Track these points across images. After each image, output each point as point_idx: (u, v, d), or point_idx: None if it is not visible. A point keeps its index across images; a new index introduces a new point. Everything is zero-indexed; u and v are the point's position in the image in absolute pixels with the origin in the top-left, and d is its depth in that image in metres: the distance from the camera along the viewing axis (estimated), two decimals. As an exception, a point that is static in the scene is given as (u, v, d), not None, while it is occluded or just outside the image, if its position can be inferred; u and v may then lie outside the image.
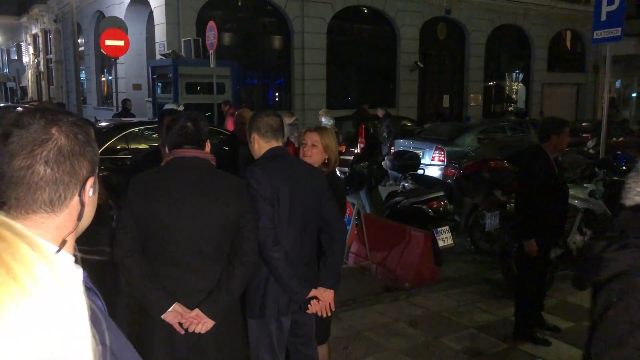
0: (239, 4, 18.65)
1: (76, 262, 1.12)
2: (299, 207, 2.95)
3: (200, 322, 2.56)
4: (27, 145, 1.09)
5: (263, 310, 2.99)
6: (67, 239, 1.15)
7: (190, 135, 2.64)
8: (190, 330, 2.55)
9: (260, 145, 3.06)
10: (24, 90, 31.60)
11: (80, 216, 1.17)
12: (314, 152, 3.47)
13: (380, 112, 14.47)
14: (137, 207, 2.53)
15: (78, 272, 1.11)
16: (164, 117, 3.87)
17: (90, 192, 1.18)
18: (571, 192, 6.17)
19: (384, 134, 14.02)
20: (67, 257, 1.13)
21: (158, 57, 16.62)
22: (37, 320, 0.63)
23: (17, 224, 0.68)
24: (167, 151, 2.75)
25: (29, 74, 32.83)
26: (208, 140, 2.74)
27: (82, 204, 1.16)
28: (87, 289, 1.10)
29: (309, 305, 3.03)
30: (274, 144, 3.05)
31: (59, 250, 1.11)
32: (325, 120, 12.26)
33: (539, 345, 4.72)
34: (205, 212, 2.56)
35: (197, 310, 2.56)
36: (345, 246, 3.22)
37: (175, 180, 2.59)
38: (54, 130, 1.11)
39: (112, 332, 1.04)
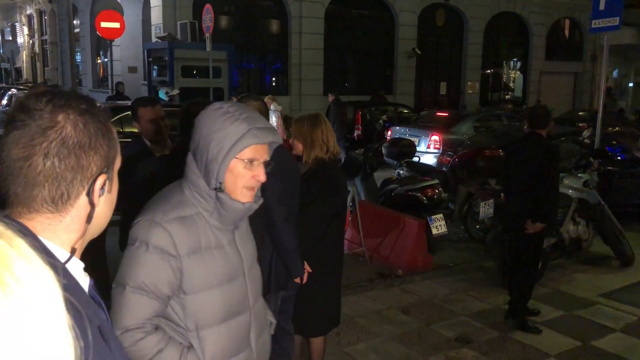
0: (237, -14, 18.49)
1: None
2: (290, 188, 3.09)
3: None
4: (27, 133, 0.95)
5: (269, 287, 3.05)
6: (75, 246, 1.03)
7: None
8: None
9: None
10: (18, 71, 31.35)
11: (89, 218, 1.03)
12: (295, 144, 3.45)
13: (330, 98, 13.58)
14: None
15: (85, 281, 1.03)
16: (139, 108, 3.60)
17: (100, 191, 1.03)
18: (565, 181, 6.19)
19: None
20: (76, 263, 1.03)
21: (154, 39, 16.49)
22: (16, 318, 0.58)
23: None
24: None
25: (24, 55, 32.55)
26: None
27: (91, 204, 1.02)
28: (93, 300, 1.02)
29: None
30: None
31: (69, 259, 1.00)
32: (273, 107, 12.00)
33: (529, 334, 4.75)
34: None
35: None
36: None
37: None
38: (60, 118, 0.97)
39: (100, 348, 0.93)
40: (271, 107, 12.35)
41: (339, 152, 3.62)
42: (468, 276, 6.17)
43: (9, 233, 0.63)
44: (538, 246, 4.90)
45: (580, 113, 18.07)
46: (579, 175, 6.37)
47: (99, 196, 1.03)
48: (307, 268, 3.20)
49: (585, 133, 10.73)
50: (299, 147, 3.41)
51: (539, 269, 5.48)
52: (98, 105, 1.06)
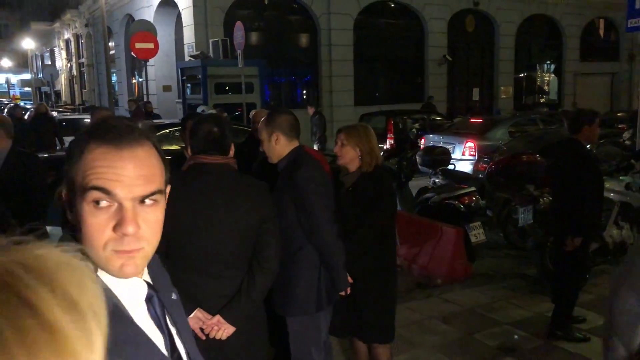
0: (266, 3, 18.72)
1: None
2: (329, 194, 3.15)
3: (221, 329, 2.52)
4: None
5: (321, 305, 3.06)
6: None
7: (216, 141, 2.58)
8: (211, 336, 2.52)
9: (283, 145, 3.04)
10: (57, 94, 32.32)
11: None
12: (344, 152, 3.47)
13: (310, 110, 13.38)
14: None
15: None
16: (188, 121, 3.79)
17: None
18: (607, 184, 6.04)
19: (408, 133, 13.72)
20: None
21: (187, 58, 16.81)
22: None
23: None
24: (189, 154, 2.71)
25: (62, 78, 33.61)
26: (232, 144, 2.68)
27: None
28: None
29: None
30: (296, 143, 3.08)
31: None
32: None
33: (574, 342, 4.64)
34: (225, 219, 2.52)
35: (218, 317, 2.52)
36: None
37: (196, 186, 2.55)
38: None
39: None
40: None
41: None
42: (509, 284, 6.07)
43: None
44: (583, 251, 4.75)
45: (619, 114, 17.64)
46: (620, 178, 6.22)
47: None
48: (349, 279, 3.20)
49: (626, 134, 10.49)
50: (348, 156, 3.44)
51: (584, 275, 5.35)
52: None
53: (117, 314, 1.03)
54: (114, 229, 1.01)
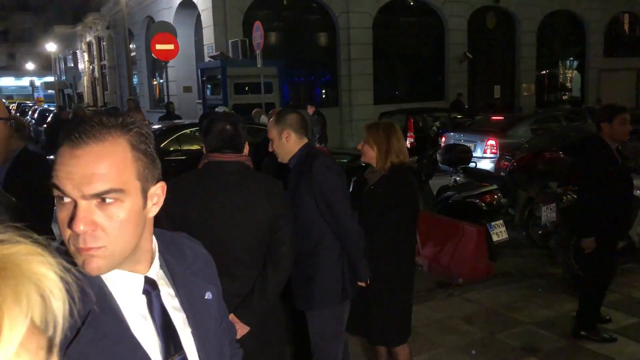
0: (285, 2, 18.76)
1: None
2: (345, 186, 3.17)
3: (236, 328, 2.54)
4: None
5: (346, 294, 3.10)
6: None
7: (229, 139, 2.58)
8: None
9: (294, 142, 3.09)
10: (80, 96, 32.78)
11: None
12: (365, 150, 3.48)
13: (310, 110, 13.12)
14: (173, 209, 2.44)
15: None
16: (203, 120, 3.83)
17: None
18: (634, 182, 5.91)
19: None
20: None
21: (207, 59, 16.91)
22: None
23: None
24: (204, 153, 2.72)
25: (85, 80, 34.05)
26: (247, 143, 2.68)
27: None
28: None
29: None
30: (305, 140, 3.13)
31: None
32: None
33: (600, 342, 4.54)
34: (238, 217, 2.51)
35: (231, 316, 2.48)
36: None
37: (210, 184, 2.55)
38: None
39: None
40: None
41: (410, 160, 3.74)
42: (532, 283, 5.97)
43: None
44: (610, 251, 4.62)
45: (644, 110, 17.32)
46: (647, 174, 6.08)
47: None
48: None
49: (652, 131, 10.25)
50: (370, 154, 3.43)
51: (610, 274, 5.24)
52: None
53: (105, 308, 1.05)
54: (68, 225, 1.02)
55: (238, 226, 2.51)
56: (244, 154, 2.65)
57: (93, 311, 1.00)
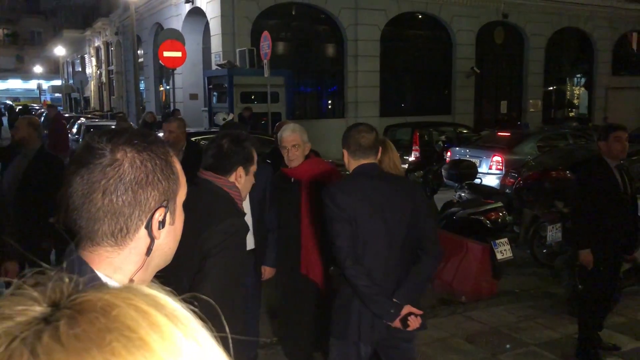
0: (293, 13, 18.80)
1: None
2: (382, 226, 2.83)
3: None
4: (89, 171, 1.02)
5: (345, 333, 2.91)
6: (134, 277, 1.05)
7: (216, 161, 2.53)
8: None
9: (350, 163, 2.96)
10: (87, 100, 32.90)
11: (149, 250, 1.07)
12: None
13: (246, 113, 13.11)
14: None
15: None
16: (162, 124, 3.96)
17: (159, 224, 1.07)
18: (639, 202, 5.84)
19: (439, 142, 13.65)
20: None
21: (214, 67, 16.93)
22: None
23: (169, 302, 0.53)
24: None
25: (92, 85, 34.20)
26: (241, 167, 2.55)
27: (150, 237, 1.06)
28: None
29: (408, 322, 2.85)
30: (363, 162, 2.91)
31: None
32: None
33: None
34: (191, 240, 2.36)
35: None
36: (433, 269, 3.07)
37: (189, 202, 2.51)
38: (118, 156, 1.02)
39: None
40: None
41: (415, 175, 3.70)
42: (535, 303, 5.89)
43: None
44: (613, 274, 4.58)
45: (651, 129, 17.23)
46: (654, 196, 6.00)
47: (159, 229, 1.07)
48: (407, 309, 2.96)
49: (659, 151, 10.17)
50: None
51: (615, 297, 5.16)
52: (160, 141, 1.11)
53: None
54: None
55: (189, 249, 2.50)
56: (228, 179, 2.53)
57: None
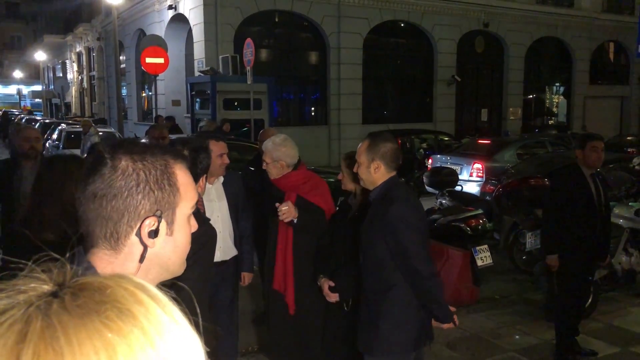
0: (276, 20, 18.86)
1: None
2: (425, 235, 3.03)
3: None
4: (90, 177, 1.08)
5: (407, 346, 2.94)
6: None
7: None
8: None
9: (381, 175, 2.91)
10: (67, 106, 32.57)
11: (142, 258, 1.09)
12: (344, 180, 3.55)
13: (226, 127, 13.13)
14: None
15: None
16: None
17: (152, 234, 1.08)
18: (615, 210, 5.97)
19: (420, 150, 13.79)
20: None
21: (197, 73, 16.90)
22: None
23: (152, 288, 0.64)
24: None
25: (73, 90, 33.86)
26: (203, 178, 2.70)
27: (142, 245, 1.08)
28: None
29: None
30: (393, 174, 2.95)
31: None
32: (91, 132, 11.69)
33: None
34: None
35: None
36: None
37: None
38: (115, 164, 1.07)
39: None
40: (89, 132, 12.02)
41: None
42: (515, 309, 5.97)
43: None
44: (586, 279, 4.67)
45: (628, 138, 17.54)
46: (629, 204, 6.14)
47: (150, 237, 1.09)
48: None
49: (636, 160, 10.38)
50: (350, 184, 3.47)
51: (589, 303, 5.26)
52: (164, 153, 1.14)
53: None
54: None
55: None
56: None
57: None
